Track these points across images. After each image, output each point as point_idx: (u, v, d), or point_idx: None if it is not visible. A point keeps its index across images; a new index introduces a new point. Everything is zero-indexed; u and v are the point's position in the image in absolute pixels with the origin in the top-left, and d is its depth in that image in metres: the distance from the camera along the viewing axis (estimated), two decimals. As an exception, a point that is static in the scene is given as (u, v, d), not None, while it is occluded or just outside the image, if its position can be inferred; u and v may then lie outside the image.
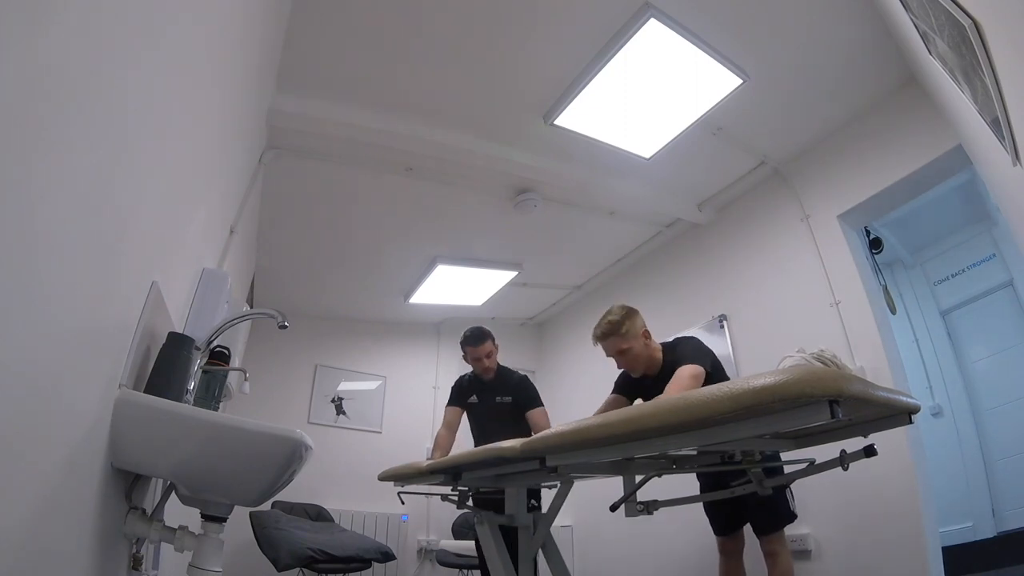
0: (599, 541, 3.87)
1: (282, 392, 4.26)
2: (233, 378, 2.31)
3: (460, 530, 3.89)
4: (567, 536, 4.04)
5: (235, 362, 2.05)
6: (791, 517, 2.08)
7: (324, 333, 4.63)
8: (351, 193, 3.19)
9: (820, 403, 0.91)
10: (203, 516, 1.12)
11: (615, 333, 2.09)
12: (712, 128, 2.81)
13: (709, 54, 2.29)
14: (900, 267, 4.08)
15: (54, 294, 0.66)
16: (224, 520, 1.14)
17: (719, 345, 3.26)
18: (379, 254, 3.87)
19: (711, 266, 3.51)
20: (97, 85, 0.69)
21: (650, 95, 2.51)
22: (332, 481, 4.00)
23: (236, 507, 1.18)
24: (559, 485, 2.26)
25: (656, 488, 1.58)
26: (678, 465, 1.45)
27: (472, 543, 2.99)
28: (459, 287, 4.30)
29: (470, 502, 2.32)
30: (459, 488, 2.28)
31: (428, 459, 2.26)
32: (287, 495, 3.18)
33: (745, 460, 1.44)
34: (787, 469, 1.67)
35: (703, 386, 1.78)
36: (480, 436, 2.72)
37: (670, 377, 2.03)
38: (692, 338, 2.19)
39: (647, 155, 2.92)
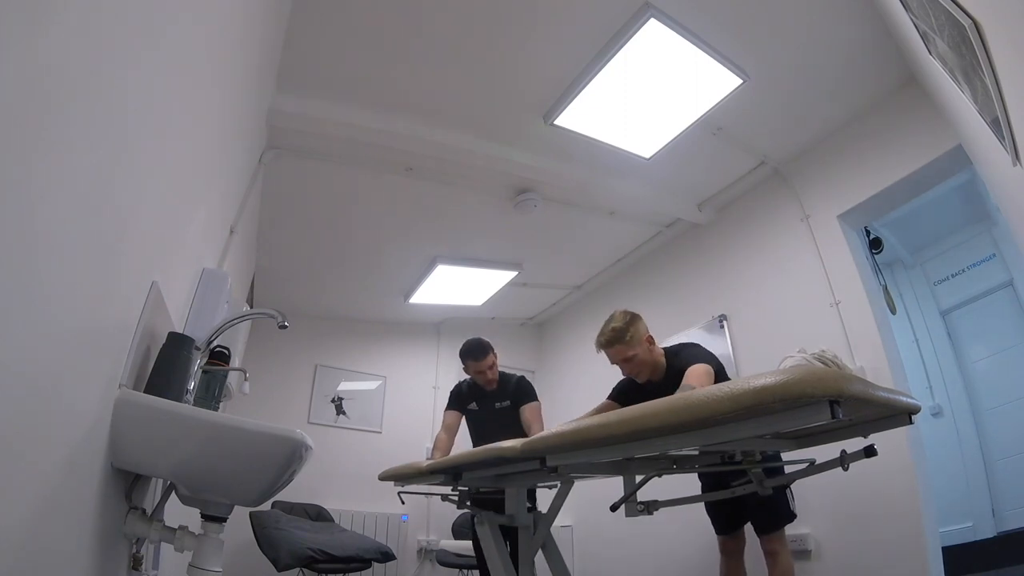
0: (599, 541, 3.87)
1: (282, 392, 4.26)
2: (233, 378, 2.31)
3: (460, 530, 3.89)
4: (567, 536, 4.04)
5: (235, 362, 2.05)
6: (791, 517, 2.08)
7: (324, 333, 4.63)
8: (351, 193, 3.19)
9: (821, 403, 0.91)
10: (203, 516, 1.12)
11: (620, 340, 2.07)
12: (712, 128, 2.81)
13: (709, 54, 2.29)
14: (900, 267, 4.08)
15: (54, 294, 0.66)
16: (224, 520, 1.14)
17: (719, 345, 3.26)
18: (379, 254, 3.87)
19: (711, 266, 3.51)
20: (97, 85, 0.69)
21: (650, 95, 2.51)
22: (332, 481, 4.00)
23: (236, 507, 1.18)
24: (559, 485, 2.26)
25: (656, 488, 1.58)
26: (678, 465, 1.45)
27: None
28: (459, 287, 4.30)
29: (470, 502, 2.31)
30: (459, 488, 2.27)
31: (428, 459, 2.26)
32: (287, 495, 3.18)
33: (745, 460, 1.44)
34: (787, 469, 1.67)
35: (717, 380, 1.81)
36: (480, 442, 2.71)
37: (673, 382, 2.03)
38: (695, 344, 2.19)
39: (647, 155, 2.92)
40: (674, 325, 3.45)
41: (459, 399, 2.84)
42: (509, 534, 2.37)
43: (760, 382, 0.91)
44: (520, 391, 2.74)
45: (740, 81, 2.43)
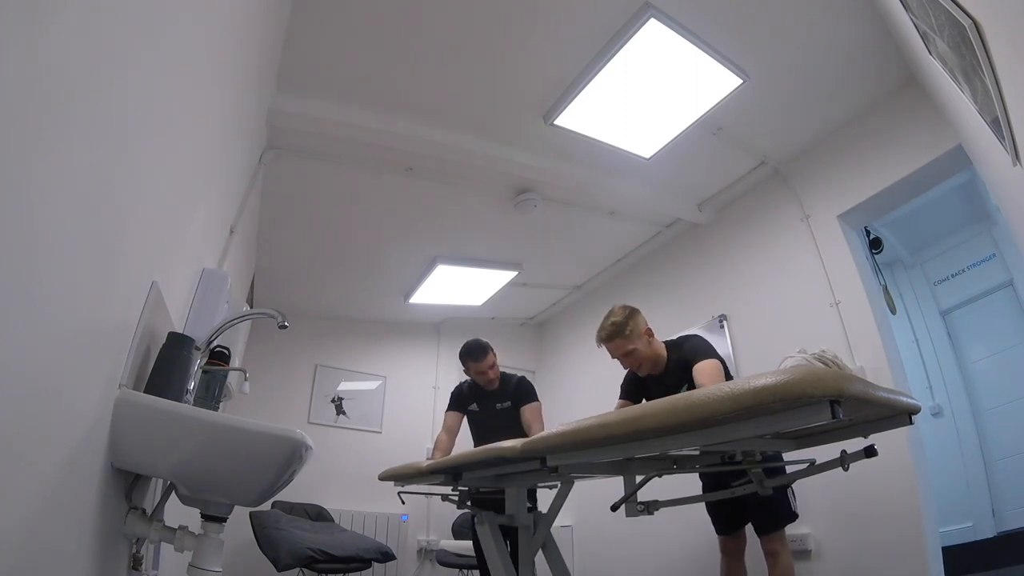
0: (599, 541, 3.87)
1: (282, 392, 4.26)
2: (233, 378, 2.31)
3: (460, 530, 3.89)
4: (567, 536, 4.04)
5: (235, 362, 2.05)
6: (792, 517, 2.08)
7: (324, 333, 4.63)
8: (351, 193, 3.19)
9: (821, 403, 0.91)
10: (203, 516, 1.12)
11: (619, 335, 2.09)
12: (712, 128, 2.81)
13: (709, 54, 2.29)
14: (900, 267, 4.08)
15: (54, 294, 0.66)
16: (224, 520, 1.14)
17: (719, 345, 3.23)
18: (379, 254, 3.87)
19: (711, 266, 3.51)
20: (97, 85, 0.69)
21: (650, 95, 2.51)
22: (332, 481, 4.00)
23: (236, 507, 1.18)
24: (559, 485, 2.26)
25: (657, 488, 1.58)
26: (679, 465, 1.45)
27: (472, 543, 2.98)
28: (459, 287, 4.30)
29: (470, 502, 2.31)
30: (459, 488, 2.27)
31: (428, 459, 2.26)
32: (287, 495, 3.18)
33: (746, 460, 1.44)
34: (788, 469, 1.67)
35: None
36: (480, 442, 2.71)
37: (675, 375, 2.05)
38: (697, 335, 2.20)
39: (647, 155, 2.92)
40: (674, 325, 3.44)
41: (460, 400, 2.84)
42: (509, 534, 2.37)
43: (760, 382, 0.91)
44: (520, 391, 2.74)
45: (740, 81, 2.43)
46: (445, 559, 3.65)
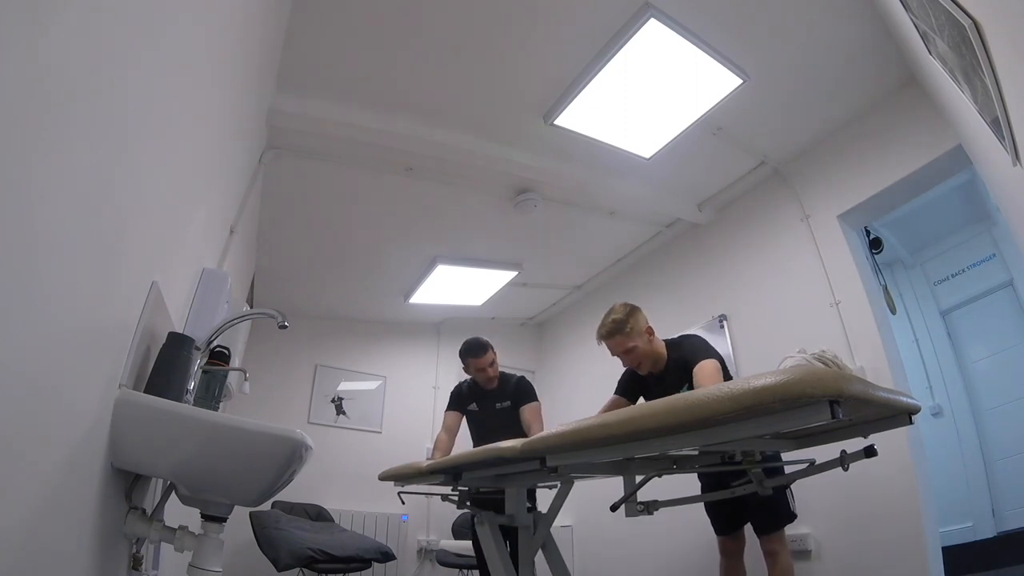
0: (599, 541, 3.87)
1: (282, 392, 4.26)
2: (233, 378, 2.31)
3: (460, 530, 3.89)
4: (567, 536, 4.04)
5: (235, 362, 2.05)
6: (791, 517, 2.08)
7: (324, 333, 4.63)
8: (351, 193, 3.19)
9: (821, 403, 0.91)
10: (203, 516, 1.12)
11: (620, 332, 2.10)
12: (712, 128, 2.81)
13: (709, 54, 2.29)
14: (900, 267, 4.08)
15: (54, 294, 0.66)
16: (224, 520, 1.14)
17: (719, 345, 3.22)
18: (379, 254, 3.87)
19: (711, 266, 3.51)
20: (97, 85, 0.69)
21: (650, 95, 2.51)
22: (332, 481, 4.00)
23: (236, 507, 1.18)
24: (559, 485, 2.26)
25: (656, 488, 1.58)
26: (678, 465, 1.45)
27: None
28: (459, 287, 4.30)
29: (470, 502, 2.31)
30: (459, 488, 2.27)
31: (428, 459, 2.26)
32: (287, 495, 3.18)
33: (745, 460, 1.44)
34: (787, 469, 1.67)
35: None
36: (480, 442, 2.71)
37: (674, 374, 2.05)
38: (696, 335, 2.20)
39: (647, 155, 2.92)
40: (674, 325, 3.43)
41: (459, 400, 2.84)
42: (509, 534, 2.37)
43: (760, 382, 0.91)
44: (520, 391, 2.74)
45: (740, 81, 2.43)
46: (445, 559, 3.65)
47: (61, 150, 0.62)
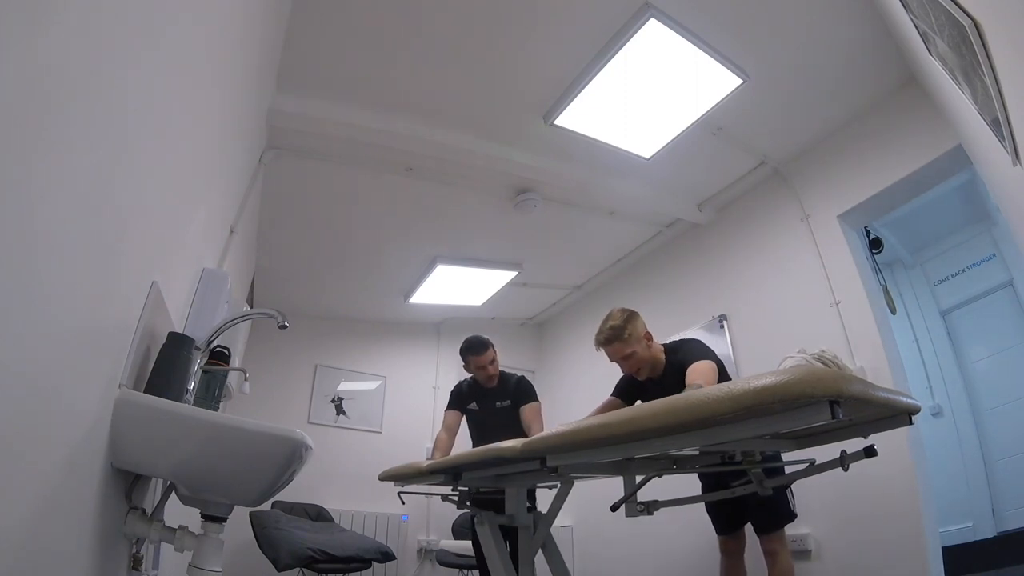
0: (599, 541, 3.87)
1: (282, 392, 4.26)
2: (233, 378, 2.31)
3: (460, 530, 3.89)
4: (567, 536, 4.04)
5: (235, 362, 2.05)
6: (791, 517, 2.08)
7: (324, 333, 4.63)
8: (351, 193, 3.19)
9: (820, 403, 0.91)
10: (203, 516, 1.12)
11: (618, 338, 2.07)
12: (712, 128, 2.81)
13: (709, 54, 2.29)
14: (900, 267, 4.08)
15: (54, 294, 0.66)
16: (224, 520, 1.14)
17: (719, 345, 3.25)
18: (379, 254, 3.87)
19: (711, 266, 3.51)
20: (97, 85, 0.69)
21: (650, 95, 2.51)
22: (332, 481, 4.00)
23: (236, 507, 1.18)
24: (559, 485, 2.26)
25: (656, 488, 1.58)
26: (679, 465, 1.45)
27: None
28: (459, 287, 4.30)
29: (470, 502, 2.32)
30: (459, 488, 2.27)
31: (428, 459, 2.26)
32: (287, 495, 3.18)
33: (745, 460, 1.44)
34: (788, 469, 1.67)
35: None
36: (480, 441, 2.71)
37: (673, 379, 2.04)
38: (695, 340, 2.19)
39: (647, 155, 2.92)
40: (674, 325, 3.45)
41: (459, 399, 2.84)
42: (509, 534, 2.37)
43: (760, 382, 0.91)
44: (520, 391, 2.74)
45: (740, 81, 2.43)
46: (445, 559, 3.65)
47: (61, 150, 0.62)
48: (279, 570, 2.80)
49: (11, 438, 0.60)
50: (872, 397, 1.04)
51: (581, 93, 2.47)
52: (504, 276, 4.16)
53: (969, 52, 1.16)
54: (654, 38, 2.20)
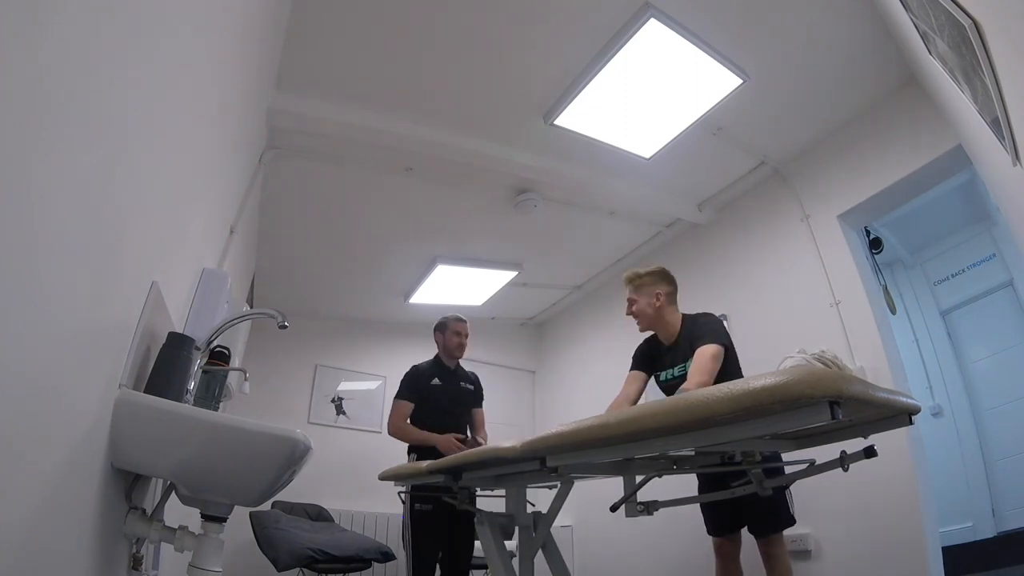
0: (599, 541, 3.87)
1: (282, 392, 4.25)
2: (233, 378, 2.30)
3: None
4: (567, 536, 4.04)
5: (235, 362, 2.05)
6: (790, 521, 2.08)
7: (324, 333, 4.62)
8: (351, 193, 3.19)
9: (820, 404, 0.91)
10: (203, 516, 1.12)
11: (632, 282, 2.26)
12: (712, 128, 2.81)
13: (709, 54, 2.29)
14: (900, 267, 4.08)
15: (54, 294, 0.66)
16: (224, 520, 1.14)
17: (719, 345, 3.25)
18: (379, 254, 3.87)
19: (711, 266, 3.51)
20: (97, 85, 0.69)
21: (650, 95, 2.51)
22: (332, 481, 4.00)
23: (236, 507, 1.18)
24: (559, 485, 2.26)
25: (656, 488, 1.58)
26: (678, 465, 1.45)
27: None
28: (459, 287, 4.30)
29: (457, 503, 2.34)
30: (461, 487, 2.28)
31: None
32: (287, 495, 3.18)
33: (745, 460, 1.44)
34: (787, 470, 1.66)
35: (722, 366, 1.86)
36: (443, 417, 2.72)
37: (685, 349, 2.08)
38: (712, 316, 2.20)
39: (647, 155, 2.92)
40: (674, 325, 3.44)
41: (415, 380, 2.85)
42: (460, 519, 2.45)
43: (759, 383, 0.91)
44: (480, 388, 2.95)
45: (740, 81, 2.43)
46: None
47: (61, 150, 0.62)
48: (279, 570, 2.80)
49: (11, 438, 0.60)
50: (872, 397, 1.04)
51: (581, 93, 2.47)
52: (504, 276, 4.16)
53: (969, 52, 1.16)
54: (654, 38, 2.20)
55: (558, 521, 2.48)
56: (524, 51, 2.34)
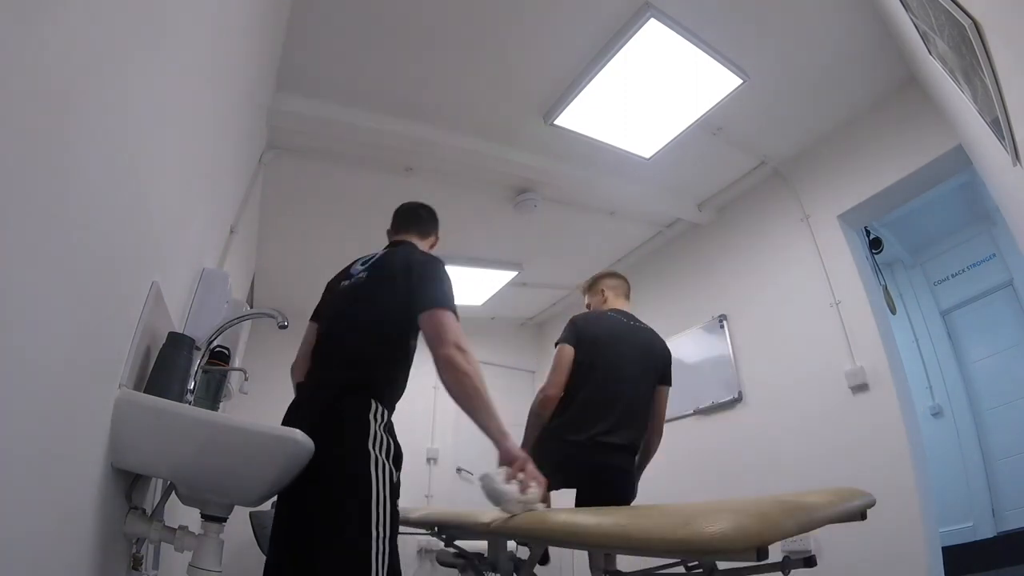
0: (599, 541, 3.86)
1: (282, 392, 4.23)
2: (233, 378, 2.30)
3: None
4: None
5: (235, 362, 2.05)
6: None
7: (324, 333, 4.61)
8: (351, 193, 3.19)
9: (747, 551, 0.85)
10: (203, 516, 1.12)
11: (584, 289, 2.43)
12: (712, 128, 2.81)
13: (709, 54, 2.29)
14: (900, 267, 4.08)
15: (54, 294, 0.66)
16: (224, 520, 1.14)
17: (719, 345, 3.26)
18: (379, 254, 3.87)
19: (711, 266, 3.51)
20: (97, 85, 0.69)
21: (650, 95, 2.51)
22: (332, 481, 4.00)
23: (236, 507, 1.18)
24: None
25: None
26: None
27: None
28: (459, 287, 4.27)
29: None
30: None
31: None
32: (287, 495, 3.16)
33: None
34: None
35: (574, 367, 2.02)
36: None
37: None
38: (569, 321, 2.17)
39: (647, 155, 2.92)
40: (674, 325, 3.45)
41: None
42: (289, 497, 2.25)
43: (682, 533, 0.88)
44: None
45: (740, 81, 2.43)
46: (445, 559, 3.64)
47: (61, 150, 0.62)
48: (279, 570, 2.80)
49: (11, 438, 0.60)
50: (807, 527, 0.98)
51: (581, 93, 2.47)
52: (504, 276, 4.16)
53: (969, 52, 1.16)
54: (654, 38, 2.20)
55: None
56: (524, 51, 2.34)
